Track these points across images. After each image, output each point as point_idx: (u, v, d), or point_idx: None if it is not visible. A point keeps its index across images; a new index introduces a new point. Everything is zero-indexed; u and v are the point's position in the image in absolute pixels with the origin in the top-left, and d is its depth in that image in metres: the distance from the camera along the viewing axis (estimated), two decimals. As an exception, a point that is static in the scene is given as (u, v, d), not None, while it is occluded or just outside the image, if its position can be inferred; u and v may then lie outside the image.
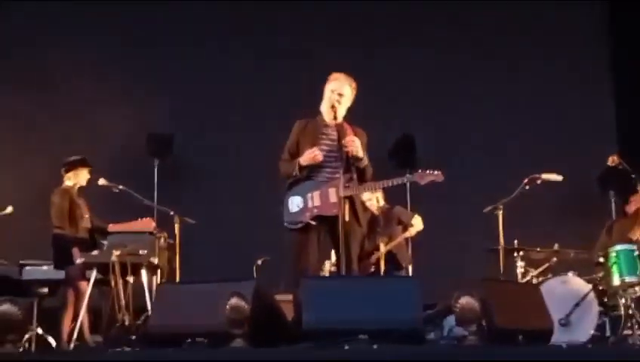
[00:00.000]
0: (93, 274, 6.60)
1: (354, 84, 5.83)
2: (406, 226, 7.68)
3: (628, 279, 6.42)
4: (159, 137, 8.59)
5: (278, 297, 6.16)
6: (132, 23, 8.96)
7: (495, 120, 8.81)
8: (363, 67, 8.41)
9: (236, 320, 4.63)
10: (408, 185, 8.37)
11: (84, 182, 7.12)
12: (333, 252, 6.97)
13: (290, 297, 6.00)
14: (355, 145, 5.63)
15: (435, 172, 5.73)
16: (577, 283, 6.61)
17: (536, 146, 8.47)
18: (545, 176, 6.82)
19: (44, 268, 7.17)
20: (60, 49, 8.80)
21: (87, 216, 7.06)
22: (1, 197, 7.30)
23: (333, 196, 5.62)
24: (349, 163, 5.66)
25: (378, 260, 7.41)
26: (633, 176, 6.32)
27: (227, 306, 4.64)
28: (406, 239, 7.77)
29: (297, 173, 5.74)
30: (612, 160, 6.40)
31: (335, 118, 5.74)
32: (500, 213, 6.78)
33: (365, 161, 5.71)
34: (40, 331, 6.98)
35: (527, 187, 6.79)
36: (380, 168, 5.99)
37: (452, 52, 8.89)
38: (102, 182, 7.03)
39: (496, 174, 8.18)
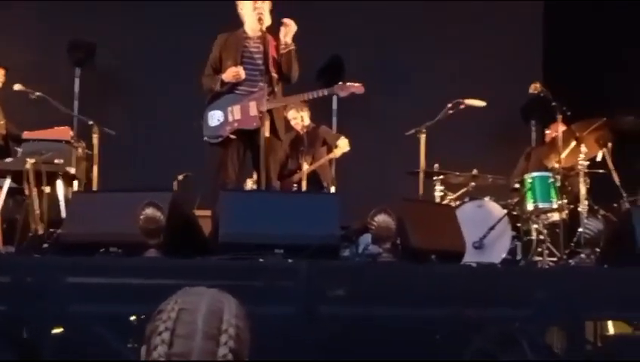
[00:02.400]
0: (7, 182, 6.42)
1: None
2: (330, 147, 7.68)
3: (541, 205, 6.56)
4: (82, 45, 8.32)
5: (197, 212, 6.14)
6: None
7: (423, 44, 8.79)
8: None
9: (151, 229, 4.57)
10: (335, 106, 8.40)
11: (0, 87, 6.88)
12: (255, 172, 6.96)
13: (208, 213, 5.99)
14: (293, 27, 5.60)
15: (356, 84, 5.73)
16: (492, 208, 6.73)
17: (463, 72, 8.50)
18: (468, 101, 6.86)
19: (-47, 175, 6.95)
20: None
21: (1, 122, 6.85)
22: None
23: (253, 109, 5.60)
24: (271, 76, 5.62)
25: (300, 179, 7.41)
26: (554, 104, 6.41)
27: (142, 215, 4.57)
28: (330, 160, 7.78)
29: (219, 89, 5.70)
30: (534, 87, 6.46)
31: (262, 29, 5.66)
32: (423, 136, 6.82)
33: (290, 48, 5.67)
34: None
35: (450, 111, 6.83)
36: (307, 89, 5.94)
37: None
38: (18, 87, 6.79)
39: (421, 98, 8.20)
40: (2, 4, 8.38)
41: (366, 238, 5.46)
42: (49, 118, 6.95)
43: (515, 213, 6.77)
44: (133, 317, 4.25)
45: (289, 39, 5.68)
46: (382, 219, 4.70)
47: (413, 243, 4.88)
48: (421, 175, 6.87)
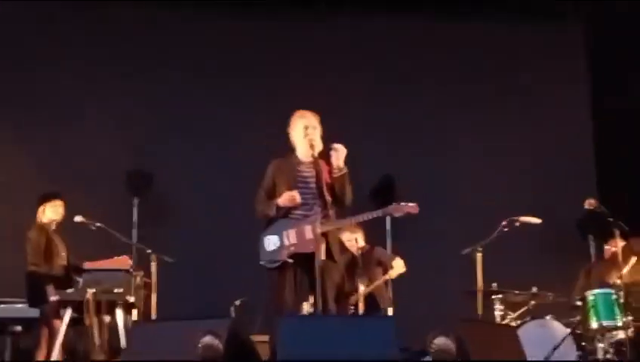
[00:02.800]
0: (68, 313, 6.52)
1: (319, 118, 5.91)
2: (386, 267, 7.66)
3: (606, 323, 6.42)
4: (139, 175, 8.56)
5: (255, 337, 6.11)
6: (111, 61, 8.97)
7: (475, 162, 8.86)
8: (343, 105, 8.54)
9: (209, 358, 4.58)
10: (389, 226, 8.42)
11: (59, 218, 7.06)
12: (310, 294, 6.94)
13: (266, 338, 5.96)
14: (343, 151, 5.70)
15: (411, 204, 5.75)
16: (555, 327, 6.59)
17: (516, 189, 8.51)
18: (523, 218, 6.84)
19: (19, 305, 7.08)
20: (39, 85, 8.80)
21: (63, 253, 7.00)
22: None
23: (309, 233, 5.64)
24: (325, 200, 5.69)
25: (357, 301, 7.36)
26: (610, 219, 6.35)
27: (200, 344, 4.59)
28: (385, 281, 7.73)
29: (275, 214, 5.77)
30: (589, 203, 6.43)
31: (313, 154, 5.78)
32: (479, 254, 6.77)
33: (343, 171, 5.74)
34: (13, 370, 6.88)
35: (505, 229, 6.80)
36: (361, 210, 5.98)
37: (434, 93, 8.95)
38: (78, 219, 6.97)
39: (475, 216, 8.18)
40: (66, 145, 8.71)
41: (426, 361, 5.38)
42: (108, 248, 7.08)
43: (578, 331, 6.60)
44: None
45: (341, 163, 5.77)
46: (441, 341, 4.66)
47: (475, 364, 4.78)
48: (479, 294, 6.77)
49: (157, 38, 8.99)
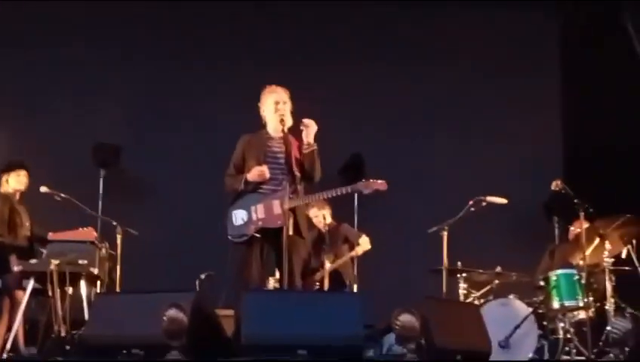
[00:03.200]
0: (31, 283, 6.46)
1: (289, 94, 5.91)
2: (352, 244, 7.69)
3: (567, 303, 6.49)
4: (106, 147, 8.47)
5: (220, 312, 6.10)
6: (82, 27, 8.85)
7: (443, 141, 8.88)
8: (315, 81, 8.51)
9: (174, 331, 4.57)
10: (356, 203, 8.43)
11: (23, 188, 6.98)
12: (277, 269, 6.95)
13: (231, 312, 5.95)
14: (313, 127, 5.70)
15: (379, 181, 5.76)
16: (518, 306, 6.65)
17: (483, 169, 8.55)
18: (490, 198, 6.88)
19: (-21, 275, 6.99)
20: (8, 49, 8.67)
21: (27, 223, 6.92)
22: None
23: (277, 208, 5.64)
24: (294, 175, 5.68)
25: (323, 278, 7.39)
26: (576, 201, 6.40)
27: (165, 317, 4.57)
28: (351, 257, 7.76)
29: (243, 188, 5.77)
30: (555, 184, 6.48)
31: (283, 129, 5.76)
32: (445, 233, 6.83)
33: (313, 148, 5.75)
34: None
35: (472, 209, 6.84)
36: (329, 187, 5.97)
37: (402, 70, 8.94)
38: (44, 189, 6.90)
39: (442, 195, 8.22)
40: (28, 107, 8.60)
41: (390, 338, 5.41)
42: (73, 219, 7.02)
43: (540, 311, 6.67)
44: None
45: (311, 139, 5.77)
46: (406, 318, 4.68)
47: (439, 343, 4.82)
48: (444, 273, 6.83)
49: (131, 10, 8.87)
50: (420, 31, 9.06)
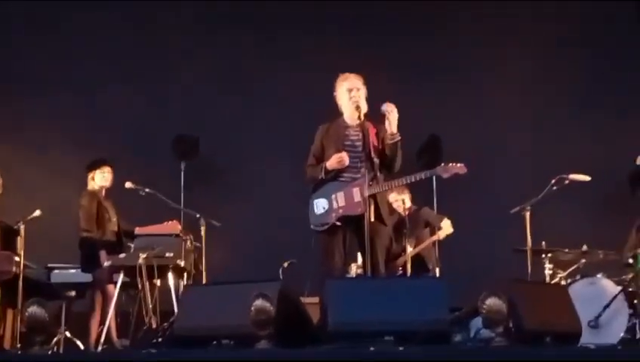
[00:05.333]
0: (120, 277, 6.64)
1: (362, 79, 5.87)
2: (434, 228, 7.64)
3: (658, 280, 6.34)
4: (186, 139, 8.62)
5: (304, 300, 6.16)
6: (158, 24, 9.01)
7: (523, 120, 8.75)
8: (390, 67, 8.47)
9: (261, 321, 4.62)
10: (435, 186, 8.37)
11: (109, 184, 7.16)
12: (359, 254, 6.97)
13: (316, 299, 6.01)
14: (395, 114, 5.64)
15: (459, 164, 5.70)
16: (606, 285, 6.53)
17: (565, 146, 8.39)
18: (573, 176, 6.75)
19: (72, 271, 7.22)
20: (88, 49, 8.88)
21: (114, 219, 7.10)
22: (29, 201, 7.33)
23: (357, 195, 5.65)
24: (373, 162, 5.67)
25: (405, 262, 7.37)
26: (662, 175, 6.24)
27: (252, 307, 4.63)
28: (433, 241, 7.72)
29: (323, 177, 5.79)
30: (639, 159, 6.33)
31: (360, 116, 5.75)
32: (528, 213, 6.71)
33: (397, 139, 5.70)
34: (68, 334, 7.02)
35: (554, 187, 6.73)
36: (407, 170, 5.96)
37: (479, 52, 8.82)
38: (128, 185, 7.07)
39: (523, 174, 8.11)
40: (113, 111, 8.80)
41: (477, 322, 5.37)
42: (157, 213, 7.17)
43: (630, 289, 6.52)
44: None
45: (394, 128, 5.72)
46: (493, 302, 4.62)
47: (527, 325, 4.75)
48: (529, 253, 6.73)
49: (211, 2, 8.99)
50: (495, 9, 8.92)
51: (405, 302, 4.78)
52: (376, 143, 5.77)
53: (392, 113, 5.70)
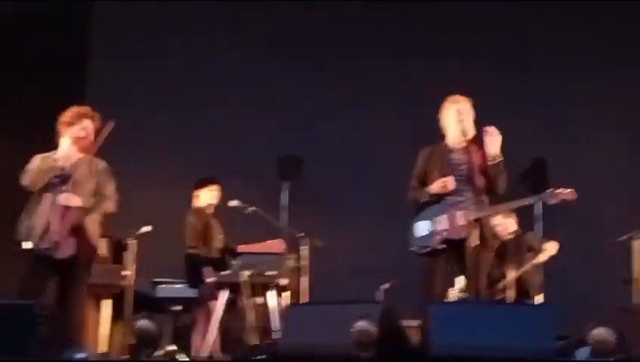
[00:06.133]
0: (225, 294, 6.75)
1: (471, 103, 5.85)
2: (537, 253, 7.49)
3: None
4: (289, 160, 8.74)
5: (404, 322, 6.14)
6: (262, 45, 9.20)
7: (630, 145, 8.51)
8: (494, 90, 8.40)
9: (363, 342, 4.66)
10: (541, 210, 8.23)
11: (215, 202, 7.28)
12: (456, 279, 6.89)
13: (416, 323, 5.98)
14: (496, 137, 5.61)
15: (567, 190, 5.59)
16: None
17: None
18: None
19: (178, 286, 7.39)
20: (198, 73, 9.15)
21: (220, 236, 7.24)
22: (138, 217, 7.56)
23: (461, 219, 5.61)
24: (477, 186, 5.63)
25: (505, 287, 7.25)
26: None
27: (355, 328, 4.66)
28: (537, 266, 7.57)
29: (427, 200, 5.76)
30: None
31: (467, 139, 5.72)
32: (636, 242, 6.52)
33: (498, 160, 5.65)
34: (174, 347, 7.18)
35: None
36: (510, 193, 5.88)
37: (586, 72, 8.66)
38: (233, 203, 7.19)
39: (631, 202, 7.88)
40: (210, 122, 9.02)
41: (584, 352, 5.25)
42: (259, 231, 7.28)
43: None
44: None
45: (496, 150, 5.68)
46: (601, 332, 4.53)
47: (636, 357, 4.62)
48: (636, 283, 6.53)
49: (302, 20, 9.12)
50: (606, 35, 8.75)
51: (510, 328, 4.73)
52: (481, 166, 5.72)
53: (493, 135, 5.66)
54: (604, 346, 4.48)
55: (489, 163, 5.67)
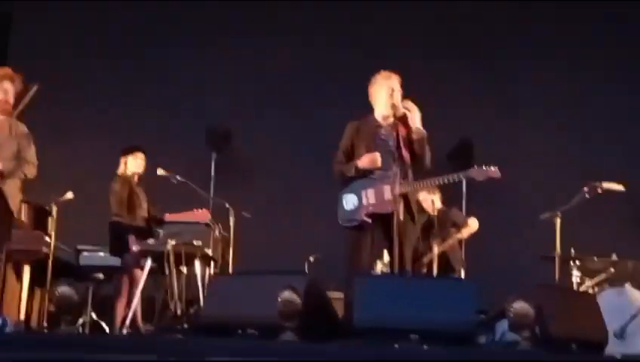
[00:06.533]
0: (148, 263, 6.68)
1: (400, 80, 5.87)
2: (460, 228, 7.63)
3: (688, 293, 6.26)
4: (217, 130, 8.67)
5: (330, 295, 6.17)
6: (187, 19, 9.07)
7: (556, 126, 8.69)
8: (422, 68, 8.46)
9: (288, 313, 4.64)
10: (465, 188, 8.35)
11: (141, 170, 7.19)
12: (385, 252, 6.97)
13: (341, 295, 6.01)
14: (416, 112, 5.66)
15: (492, 168, 5.66)
16: (634, 295, 6.45)
17: (600, 154, 8.33)
18: (606, 184, 6.69)
19: (101, 254, 7.29)
20: (126, 43, 8.98)
21: (145, 205, 7.15)
22: (62, 183, 7.40)
23: (388, 193, 5.63)
24: (404, 161, 5.66)
25: (431, 262, 7.36)
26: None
27: (279, 299, 4.65)
28: (460, 242, 7.70)
29: (353, 175, 5.77)
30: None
31: (395, 115, 5.73)
32: (558, 220, 6.67)
33: (422, 135, 5.70)
34: (94, 316, 7.09)
35: (586, 195, 6.67)
36: (437, 173, 5.93)
37: (514, 56, 8.79)
38: (160, 172, 7.11)
39: (554, 181, 8.06)
40: (138, 89, 8.88)
41: (503, 325, 5.36)
42: (187, 201, 7.21)
43: (659, 301, 6.46)
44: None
45: (418, 124, 5.71)
46: (520, 305, 4.61)
47: (553, 331, 4.74)
48: (557, 260, 6.69)
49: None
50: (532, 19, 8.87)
51: (433, 301, 4.78)
52: (406, 141, 5.75)
53: (412, 111, 5.70)
54: (523, 319, 4.56)
55: (414, 137, 5.69)
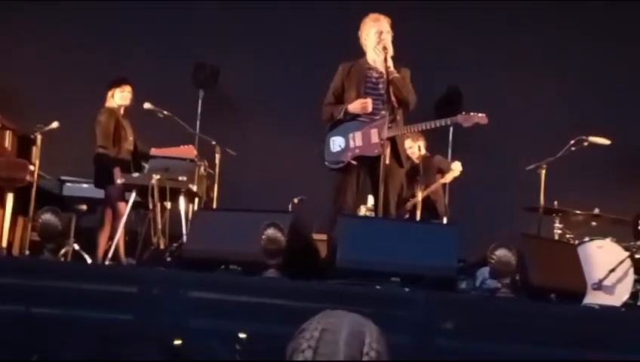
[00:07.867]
0: (132, 196, 6.65)
1: (390, 22, 5.80)
2: (444, 174, 7.65)
3: (667, 249, 6.33)
4: (206, 68, 8.58)
5: (313, 235, 6.19)
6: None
7: (546, 78, 8.67)
8: (410, 16, 8.36)
9: (271, 250, 4.64)
10: (451, 137, 8.35)
11: (128, 103, 7.11)
12: (370, 196, 6.99)
13: (324, 237, 6.03)
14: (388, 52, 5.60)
15: (480, 114, 5.66)
16: (614, 249, 6.52)
17: (586, 108, 8.33)
18: (592, 138, 6.71)
19: (85, 185, 7.25)
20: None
21: (131, 138, 7.10)
22: (47, 113, 7.33)
23: (375, 137, 5.62)
24: (393, 105, 5.63)
25: (414, 207, 7.39)
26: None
27: (264, 236, 4.65)
28: (444, 188, 7.72)
29: (342, 118, 5.74)
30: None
31: (386, 59, 5.68)
32: (543, 171, 6.70)
33: (404, 73, 5.68)
34: (77, 246, 7.09)
35: (573, 148, 6.70)
36: (427, 119, 5.92)
37: (501, 5, 8.71)
38: (147, 105, 7.04)
39: (541, 133, 8.07)
40: (130, 27, 8.75)
41: (484, 272, 5.40)
42: (173, 136, 7.17)
43: (637, 256, 6.53)
44: (243, 335, 4.29)
45: (390, 65, 5.64)
46: (502, 253, 4.63)
47: (533, 280, 4.78)
48: (540, 211, 6.73)
49: None
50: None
51: (416, 245, 4.81)
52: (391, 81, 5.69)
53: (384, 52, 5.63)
54: (503, 267, 4.59)
55: (391, 77, 5.63)
